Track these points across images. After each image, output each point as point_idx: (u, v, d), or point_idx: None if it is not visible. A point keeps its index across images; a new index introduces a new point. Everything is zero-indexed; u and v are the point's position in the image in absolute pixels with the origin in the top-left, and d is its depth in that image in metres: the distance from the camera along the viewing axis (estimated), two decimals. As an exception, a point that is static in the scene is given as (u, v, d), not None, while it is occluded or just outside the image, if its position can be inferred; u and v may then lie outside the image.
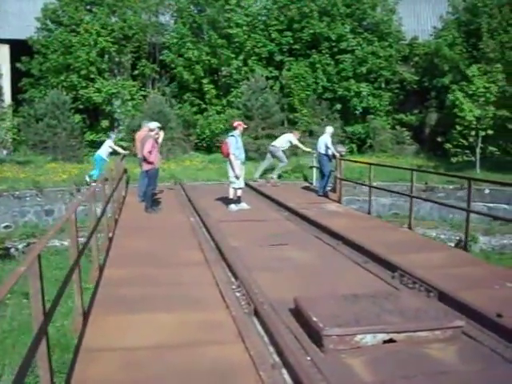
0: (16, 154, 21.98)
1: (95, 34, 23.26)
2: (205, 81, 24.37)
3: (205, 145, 24.54)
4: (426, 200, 13.01)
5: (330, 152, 13.66)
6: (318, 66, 24.01)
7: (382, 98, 24.58)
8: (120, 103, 23.87)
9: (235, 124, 11.86)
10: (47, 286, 3.95)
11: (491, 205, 15.30)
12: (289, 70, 24.30)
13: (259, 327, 4.98)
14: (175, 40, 24.48)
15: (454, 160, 19.60)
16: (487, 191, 15.14)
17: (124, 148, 17.91)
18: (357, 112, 24.46)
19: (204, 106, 24.86)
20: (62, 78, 23.00)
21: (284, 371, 4.14)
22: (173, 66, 24.59)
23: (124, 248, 8.30)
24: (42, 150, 21.15)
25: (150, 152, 11.19)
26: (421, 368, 4.19)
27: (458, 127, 19.50)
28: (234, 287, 6.11)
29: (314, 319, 4.61)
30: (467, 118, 18.99)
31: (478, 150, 19.61)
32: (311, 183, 16.41)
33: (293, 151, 19.38)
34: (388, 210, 16.49)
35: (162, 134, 14.59)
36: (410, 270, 6.42)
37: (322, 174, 14.14)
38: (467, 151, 19.85)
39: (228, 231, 9.28)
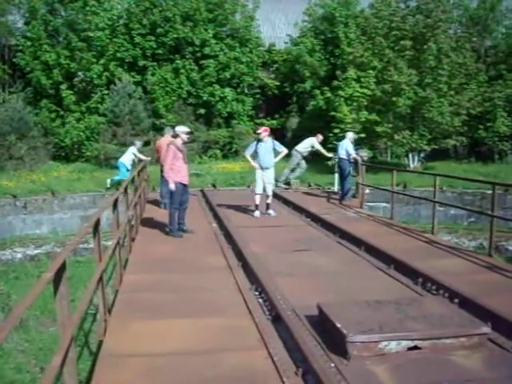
0: None
1: None
2: (63, 86, 23.09)
3: (63, 154, 23.32)
4: (448, 205, 12.84)
5: (351, 158, 13.67)
6: (182, 71, 23.59)
7: (245, 102, 24.49)
8: None
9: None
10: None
11: (372, 204, 15.82)
12: (153, 75, 23.67)
13: (282, 333, 4.96)
14: (29, 42, 22.95)
15: (330, 163, 19.53)
16: (367, 191, 15.59)
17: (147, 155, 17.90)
18: (221, 117, 24.29)
19: (62, 112, 23.59)
20: None
21: (308, 378, 4.12)
22: (28, 69, 23.10)
23: (146, 254, 8.36)
24: None
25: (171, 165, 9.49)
26: (446, 375, 4.15)
27: (336, 130, 19.92)
28: (256, 293, 6.12)
29: (338, 326, 4.58)
30: (346, 121, 19.49)
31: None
32: (329, 189, 16.39)
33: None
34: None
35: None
36: (434, 276, 6.37)
37: (342, 179, 14.12)
38: None
39: (250, 237, 9.28)
